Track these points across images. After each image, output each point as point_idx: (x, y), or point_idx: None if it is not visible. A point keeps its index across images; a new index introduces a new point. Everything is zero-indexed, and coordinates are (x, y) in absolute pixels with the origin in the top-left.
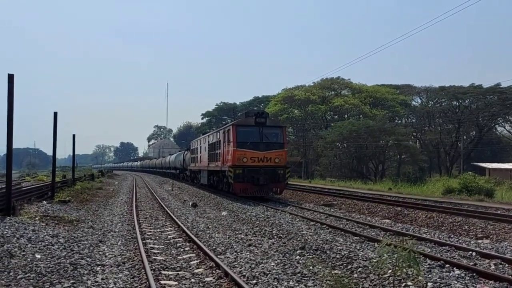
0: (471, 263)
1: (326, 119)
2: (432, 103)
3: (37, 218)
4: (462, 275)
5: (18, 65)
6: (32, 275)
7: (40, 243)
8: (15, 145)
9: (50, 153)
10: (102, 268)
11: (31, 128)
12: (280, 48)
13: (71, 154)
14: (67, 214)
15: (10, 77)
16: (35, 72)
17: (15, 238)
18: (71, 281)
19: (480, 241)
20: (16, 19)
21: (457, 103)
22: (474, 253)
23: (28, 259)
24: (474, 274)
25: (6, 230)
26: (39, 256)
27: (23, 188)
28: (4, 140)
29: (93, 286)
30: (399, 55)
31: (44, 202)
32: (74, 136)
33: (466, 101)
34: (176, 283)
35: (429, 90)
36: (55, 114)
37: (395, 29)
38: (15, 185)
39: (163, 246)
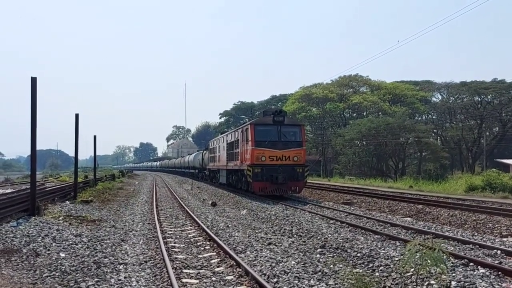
0: (496, 262)
1: (345, 117)
2: (453, 99)
3: (60, 218)
4: (487, 274)
5: (40, 66)
6: (57, 273)
7: (64, 242)
8: (38, 146)
9: (72, 154)
10: (125, 266)
11: (54, 130)
12: (297, 46)
13: (92, 155)
14: (89, 213)
15: (33, 80)
16: (58, 75)
17: (40, 237)
18: (95, 279)
19: (505, 239)
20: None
21: (479, 99)
22: (499, 252)
23: (53, 258)
24: (500, 272)
25: (32, 229)
26: (63, 255)
27: (47, 189)
28: (28, 142)
29: (116, 284)
30: (419, 50)
31: (67, 202)
32: (95, 137)
33: (489, 97)
34: (197, 281)
35: (449, 86)
36: (77, 116)
37: (415, 24)
38: (39, 186)
39: (183, 245)
